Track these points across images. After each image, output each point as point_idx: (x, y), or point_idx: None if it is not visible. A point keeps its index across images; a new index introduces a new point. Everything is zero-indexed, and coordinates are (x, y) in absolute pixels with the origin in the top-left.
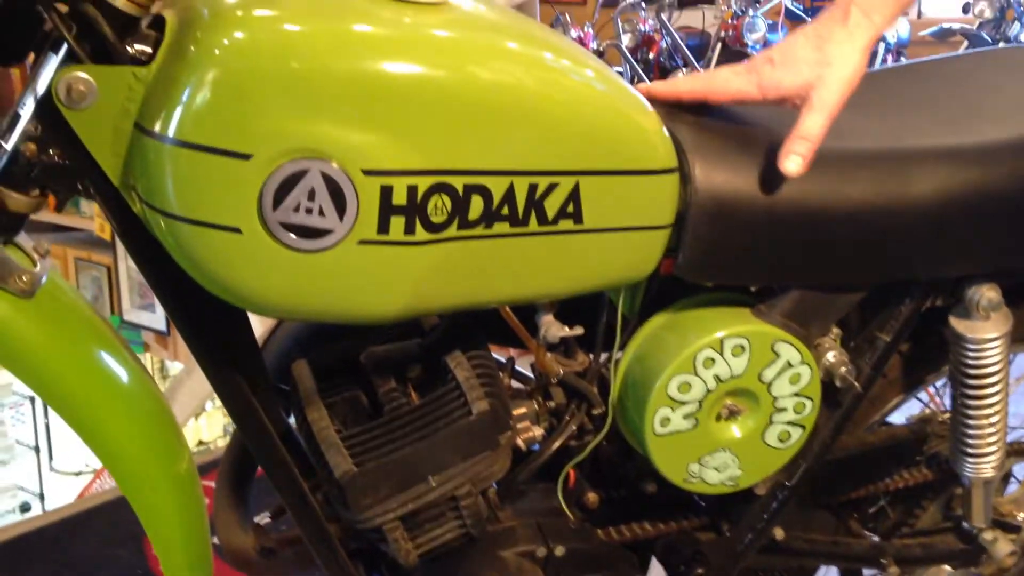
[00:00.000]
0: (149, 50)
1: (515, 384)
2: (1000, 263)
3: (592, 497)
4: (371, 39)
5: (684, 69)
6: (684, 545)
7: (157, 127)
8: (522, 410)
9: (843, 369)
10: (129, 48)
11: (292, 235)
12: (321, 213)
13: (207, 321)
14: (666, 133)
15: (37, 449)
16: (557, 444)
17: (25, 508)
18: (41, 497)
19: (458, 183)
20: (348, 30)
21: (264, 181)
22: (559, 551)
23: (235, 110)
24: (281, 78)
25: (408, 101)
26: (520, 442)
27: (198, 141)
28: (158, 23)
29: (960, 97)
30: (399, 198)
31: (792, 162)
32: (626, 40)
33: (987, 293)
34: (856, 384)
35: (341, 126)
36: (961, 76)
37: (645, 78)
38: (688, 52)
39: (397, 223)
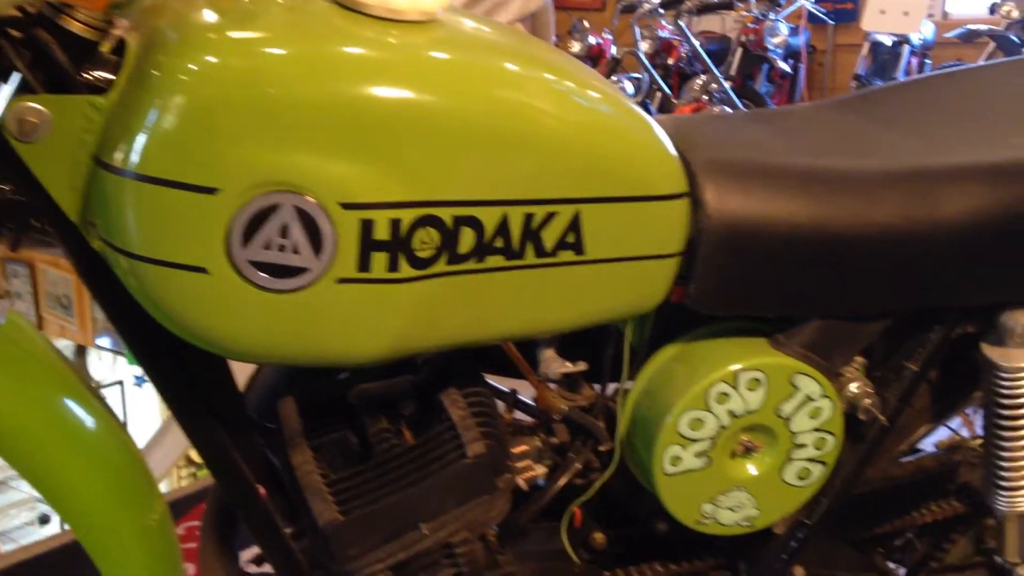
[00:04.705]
0: (109, 77)
1: (521, 416)
2: None
3: (599, 537)
4: (351, 62)
5: (703, 76)
6: None
7: (116, 160)
8: (523, 448)
9: (867, 401)
10: (86, 75)
11: (263, 274)
12: (295, 251)
13: (177, 366)
14: (675, 155)
15: None
16: (561, 484)
17: (44, 520)
18: None
19: (446, 215)
20: (326, 53)
21: (231, 217)
22: None
23: (200, 140)
24: (251, 105)
25: (391, 129)
26: (521, 482)
27: (160, 175)
28: (121, 48)
29: (994, 109)
30: (381, 233)
31: None
32: (645, 46)
33: (1023, 319)
34: (881, 417)
35: (317, 157)
36: (992, 87)
37: (664, 85)
38: (708, 58)
39: (379, 259)
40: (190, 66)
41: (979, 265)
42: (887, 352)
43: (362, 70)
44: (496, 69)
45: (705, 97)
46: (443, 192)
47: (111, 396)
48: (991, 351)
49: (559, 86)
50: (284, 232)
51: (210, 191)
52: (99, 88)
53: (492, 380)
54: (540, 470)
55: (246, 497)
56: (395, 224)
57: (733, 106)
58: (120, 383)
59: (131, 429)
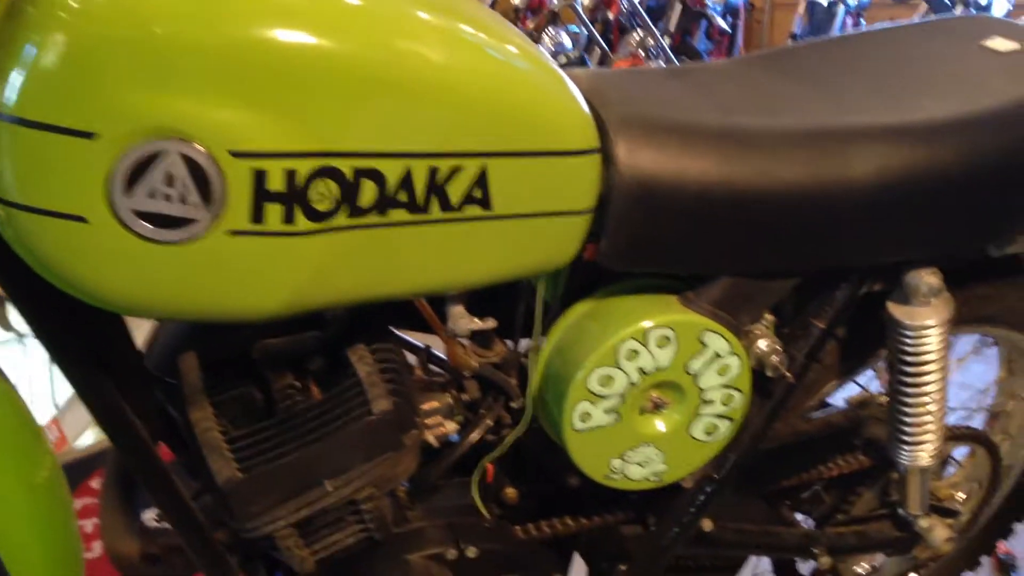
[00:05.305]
0: None
1: (434, 369)
2: (942, 247)
3: (511, 492)
4: (245, 2)
5: (640, 31)
6: (608, 540)
7: None
8: (433, 404)
9: (774, 358)
10: None
11: (148, 225)
12: (183, 200)
13: (65, 320)
14: (586, 111)
15: None
16: (472, 440)
17: None
18: None
19: (346, 167)
20: None
21: (112, 164)
22: (471, 552)
23: (78, 82)
24: (134, 46)
25: (287, 74)
26: (431, 438)
27: (35, 118)
28: None
29: (905, 70)
30: (275, 183)
31: None
32: None
33: (927, 278)
34: (788, 374)
35: (205, 102)
36: (909, 47)
37: (601, 40)
38: (646, 14)
39: (274, 211)
40: (69, 1)
41: (886, 224)
42: (796, 310)
43: (257, 11)
44: (400, 15)
45: (642, 53)
46: (342, 143)
47: (35, 349)
48: (896, 309)
49: (468, 36)
50: (170, 181)
51: (87, 135)
52: None
53: (407, 335)
54: (451, 426)
55: (141, 457)
56: (290, 175)
57: (670, 63)
58: None
59: (57, 383)
